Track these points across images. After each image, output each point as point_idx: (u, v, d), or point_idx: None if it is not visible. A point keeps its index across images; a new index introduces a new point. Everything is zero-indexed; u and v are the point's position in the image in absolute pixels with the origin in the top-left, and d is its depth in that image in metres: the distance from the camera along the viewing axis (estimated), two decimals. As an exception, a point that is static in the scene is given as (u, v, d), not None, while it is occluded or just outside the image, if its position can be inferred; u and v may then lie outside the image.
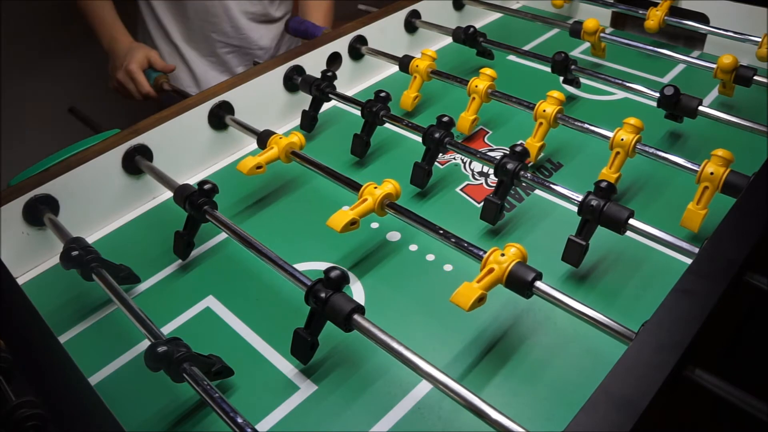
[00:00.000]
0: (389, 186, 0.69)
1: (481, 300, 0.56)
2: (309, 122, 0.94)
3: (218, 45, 1.36)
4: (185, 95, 1.10)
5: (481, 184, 0.83)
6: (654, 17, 1.04)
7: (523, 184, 0.72)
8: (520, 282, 0.56)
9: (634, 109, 0.93)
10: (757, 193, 0.55)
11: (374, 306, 0.66)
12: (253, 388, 0.59)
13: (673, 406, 0.42)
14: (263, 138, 0.82)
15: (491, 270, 0.57)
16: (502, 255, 0.57)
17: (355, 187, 0.71)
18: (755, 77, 0.86)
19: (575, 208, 0.66)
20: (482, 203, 0.75)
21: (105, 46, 1.23)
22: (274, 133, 0.82)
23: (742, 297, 0.50)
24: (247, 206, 0.83)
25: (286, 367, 0.61)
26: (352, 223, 0.68)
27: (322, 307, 0.55)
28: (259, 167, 0.78)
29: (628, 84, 0.89)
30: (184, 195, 0.72)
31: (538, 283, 0.56)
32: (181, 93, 1.13)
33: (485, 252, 0.59)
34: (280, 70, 0.95)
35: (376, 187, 0.69)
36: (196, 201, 0.70)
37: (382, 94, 0.85)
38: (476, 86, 0.88)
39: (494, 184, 0.81)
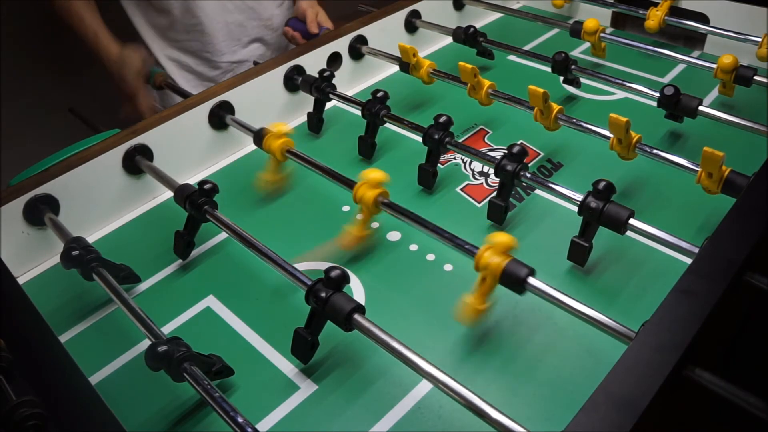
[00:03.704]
0: (377, 181, 0.69)
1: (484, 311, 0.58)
2: (316, 124, 0.95)
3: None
4: (182, 92, 1.10)
5: (482, 183, 0.83)
6: (654, 17, 1.04)
7: (524, 184, 0.73)
8: (513, 281, 0.57)
9: (634, 109, 0.93)
10: (757, 193, 0.55)
11: (374, 306, 0.66)
12: (254, 388, 0.59)
13: (673, 406, 0.42)
14: (259, 136, 0.82)
15: (483, 279, 0.58)
16: (493, 257, 0.57)
17: (349, 183, 0.72)
18: (755, 77, 0.86)
19: (575, 208, 0.66)
20: (487, 205, 0.75)
21: (94, 55, 1.22)
22: (270, 131, 0.82)
23: (742, 297, 0.50)
24: (247, 206, 0.83)
25: (286, 366, 0.61)
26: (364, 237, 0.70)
27: (323, 306, 0.55)
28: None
29: (628, 84, 0.89)
30: (184, 195, 0.72)
31: (530, 280, 0.56)
32: (179, 90, 1.14)
33: (477, 249, 0.59)
34: (280, 70, 0.95)
35: (363, 186, 0.69)
36: (197, 201, 0.70)
37: (379, 94, 0.85)
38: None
39: (494, 184, 0.81)
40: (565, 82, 0.97)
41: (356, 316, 0.54)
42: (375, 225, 0.77)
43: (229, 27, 1.27)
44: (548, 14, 1.22)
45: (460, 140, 0.90)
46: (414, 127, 0.82)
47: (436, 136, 0.78)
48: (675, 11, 1.06)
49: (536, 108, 0.82)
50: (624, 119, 0.71)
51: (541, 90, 0.78)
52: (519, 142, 0.75)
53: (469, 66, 0.86)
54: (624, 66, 1.05)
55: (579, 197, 0.65)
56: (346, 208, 0.79)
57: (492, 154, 0.86)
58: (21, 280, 0.75)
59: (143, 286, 0.72)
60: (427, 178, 0.81)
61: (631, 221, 0.62)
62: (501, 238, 0.58)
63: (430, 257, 0.72)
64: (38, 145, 1.10)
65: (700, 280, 0.46)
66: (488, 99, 0.89)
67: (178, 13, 1.22)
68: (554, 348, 0.61)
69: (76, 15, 1.19)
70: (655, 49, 0.98)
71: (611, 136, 0.76)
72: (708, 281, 0.45)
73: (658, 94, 0.83)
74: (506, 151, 0.72)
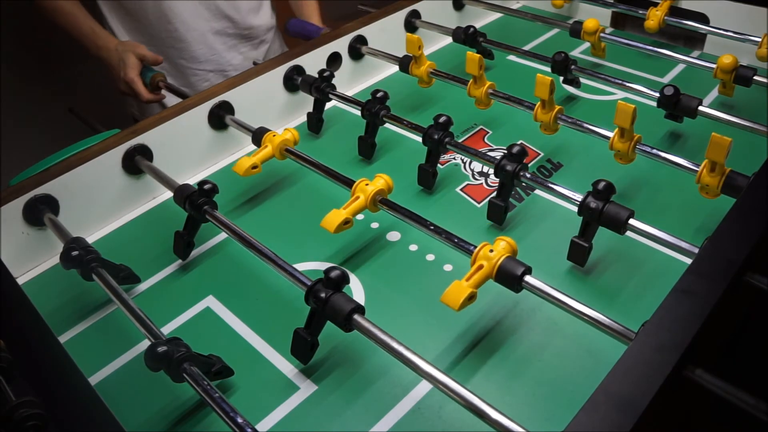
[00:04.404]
0: (380, 182, 0.70)
1: (471, 298, 0.56)
2: (315, 124, 0.95)
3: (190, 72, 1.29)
4: (181, 93, 1.10)
5: (481, 184, 0.83)
6: (654, 17, 1.04)
7: (523, 184, 0.73)
8: (509, 277, 0.57)
9: (634, 109, 0.93)
10: (757, 193, 0.55)
11: (374, 306, 0.66)
12: (253, 388, 0.59)
13: (673, 406, 0.42)
14: (258, 135, 0.82)
15: (480, 267, 0.58)
16: (491, 251, 0.58)
17: (349, 183, 0.71)
18: (755, 77, 0.86)
19: (575, 208, 0.66)
20: (487, 205, 0.75)
21: (92, 54, 1.21)
22: (269, 130, 0.82)
23: (742, 297, 0.50)
24: (247, 206, 0.83)
25: (286, 367, 0.61)
26: (345, 223, 0.68)
27: (322, 306, 0.55)
28: (254, 167, 0.78)
29: (628, 84, 0.89)
30: (184, 195, 0.72)
31: (527, 278, 0.56)
32: (177, 91, 1.14)
33: (475, 247, 0.59)
34: (280, 70, 0.95)
35: (367, 184, 0.69)
36: (196, 201, 0.70)
37: (379, 94, 0.85)
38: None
39: (494, 184, 0.81)
40: (565, 82, 0.97)
41: (356, 317, 0.54)
42: (375, 225, 0.77)
43: (206, 35, 1.26)
44: (548, 14, 1.22)
45: (460, 140, 0.90)
46: (414, 128, 0.82)
47: (436, 137, 0.78)
48: (675, 11, 1.06)
49: (538, 102, 0.81)
50: (632, 106, 0.70)
51: (549, 78, 0.78)
52: (519, 142, 0.75)
53: (477, 55, 0.85)
54: (624, 66, 1.05)
55: (579, 197, 0.65)
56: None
57: (492, 154, 0.86)
58: (21, 281, 0.75)
59: (143, 287, 0.72)
60: (427, 178, 0.81)
61: (631, 221, 0.62)
62: (507, 239, 0.59)
63: (430, 257, 0.72)
64: (38, 145, 1.10)
65: (700, 280, 0.46)
66: (488, 99, 0.89)
67: (153, 18, 1.21)
68: (554, 348, 0.61)
69: (69, 14, 1.17)
70: (655, 49, 0.98)
71: (611, 135, 0.75)
72: (708, 281, 0.45)
73: (657, 94, 0.83)
74: (506, 151, 0.72)
